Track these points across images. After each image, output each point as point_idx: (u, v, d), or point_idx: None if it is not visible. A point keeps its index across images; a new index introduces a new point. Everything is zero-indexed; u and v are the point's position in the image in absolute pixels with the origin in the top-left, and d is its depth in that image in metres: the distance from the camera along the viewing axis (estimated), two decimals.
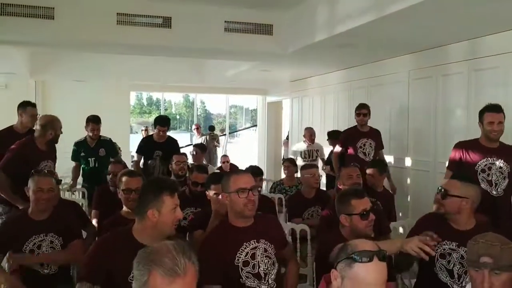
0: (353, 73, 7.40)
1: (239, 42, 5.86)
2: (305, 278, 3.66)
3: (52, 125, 4.37)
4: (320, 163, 7.22)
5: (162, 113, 16.60)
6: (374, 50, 5.99)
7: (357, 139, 5.65)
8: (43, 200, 3.12)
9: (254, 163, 12.94)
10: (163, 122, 5.89)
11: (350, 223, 2.71)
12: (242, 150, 19.43)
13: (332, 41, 5.27)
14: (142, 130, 10.23)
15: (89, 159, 5.54)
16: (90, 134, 5.55)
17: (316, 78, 8.64)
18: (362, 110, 5.66)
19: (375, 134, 5.75)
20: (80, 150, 5.62)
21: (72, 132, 7.28)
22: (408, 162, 6.07)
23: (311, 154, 7.30)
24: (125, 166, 5.24)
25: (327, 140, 7.09)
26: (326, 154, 7.38)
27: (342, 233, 2.78)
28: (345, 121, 7.60)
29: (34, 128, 4.82)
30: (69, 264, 3.25)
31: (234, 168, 8.52)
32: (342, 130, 7.16)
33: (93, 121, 5.57)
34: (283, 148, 11.12)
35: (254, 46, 5.95)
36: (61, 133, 4.51)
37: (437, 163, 5.47)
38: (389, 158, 6.44)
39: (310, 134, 7.37)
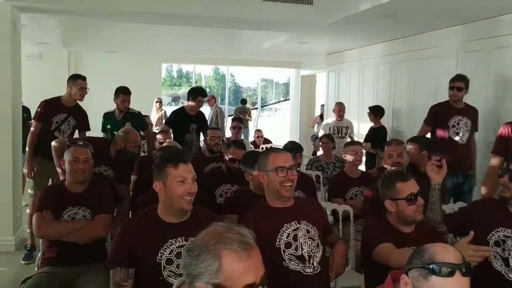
0: (395, 46, 7.03)
1: (277, 11, 5.57)
2: (347, 262, 3.46)
3: (125, 137, 4.30)
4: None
5: (193, 86, 16.51)
6: (421, 21, 5.62)
7: (450, 117, 4.66)
8: (79, 171, 3.09)
9: (286, 137, 12.78)
10: (205, 92, 5.66)
11: (396, 209, 2.49)
12: (274, 124, 19.22)
13: (376, 11, 4.95)
14: (156, 102, 9.93)
15: (115, 132, 5.15)
16: (120, 106, 5.31)
17: (354, 51, 8.29)
18: (457, 83, 4.64)
19: (472, 113, 4.75)
20: (107, 122, 5.40)
21: (104, 104, 7.20)
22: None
23: (340, 130, 7.05)
24: None
25: (369, 115, 6.80)
26: (364, 130, 7.12)
27: (388, 219, 2.58)
28: (385, 96, 7.29)
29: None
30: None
31: (267, 142, 8.40)
32: (381, 105, 6.91)
33: (124, 92, 5.33)
34: (316, 125, 10.79)
35: (293, 16, 5.65)
36: (133, 151, 4.39)
37: (488, 142, 5.13)
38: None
39: (338, 109, 7.11)
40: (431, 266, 1.48)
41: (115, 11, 5.51)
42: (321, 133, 6.81)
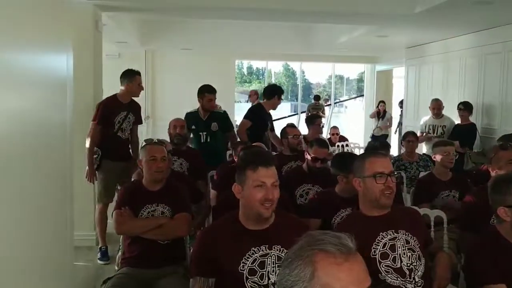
0: (485, 37, 6.49)
1: (359, 2, 5.28)
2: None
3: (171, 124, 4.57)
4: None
5: (265, 82, 16.43)
6: None
7: None
8: (158, 169, 3.03)
9: (360, 135, 12.36)
10: (283, 91, 5.48)
11: None
12: (346, 121, 18.77)
13: None
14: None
15: (201, 133, 5.05)
16: (207, 105, 5.04)
17: (438, 44, 7.78)
18: None
19: None
20: (191, 122, 5.04)
21: (180, 100, 7.22)
22: None
23: (435, 129, 6.58)
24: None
25: (459, 111, 6.32)
26: None
27: (498, 229, 2.27)
28: (473, 92, 6.76)
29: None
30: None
31: (343, 140, 8.10)
32: (469, 101, 6.42)
33: (209, 91, 5.06)
34: (374, 121, 10.43)
35: (376, 6, 5.33)
36: (174, 133, 4.50)
37: None
38: None
39: (433, 107, 6.64)
40: None
41: (192, 7, 5.47)
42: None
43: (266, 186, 2.07)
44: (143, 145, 3.30)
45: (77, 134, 3.31)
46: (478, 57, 6.70)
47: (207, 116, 5.09)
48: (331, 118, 14.57)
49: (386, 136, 10.27)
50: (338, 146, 7.49)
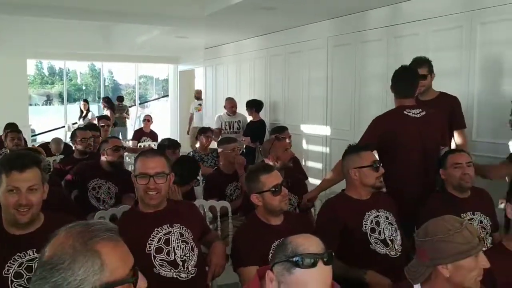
0: (270, 40, 7.15)
1: (150, 4, 5.32)
2: (228, 258, 3.38)
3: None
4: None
5: (65, 84, 15.38)
6: (295, 15, 5.74)
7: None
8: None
9: (167, 134, 12.47)
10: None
11: (263, 202, 2.45)
12: (155, 120, 18.68)
13: (252, 3, 4.95)
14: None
15: None
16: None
17: (231, 45, 8.30)
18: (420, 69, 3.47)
19: (445, 103, 3.55)
20: None
21: None
22: (327, 131, 5.98)
23: (231, 125, 7.02)
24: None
25: (246, 109, 6.83)
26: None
27: (257, 213, 2.53)
28: (262, 90, 7.39)
29: None
30: None
31: (154, 135, 8.17)
32: (259, 99, 6.99)
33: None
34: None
35: (167, 7, 5.44)
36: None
37: (356, 132, 5.41)
38: (308, 128, 6.33)
39: (230, 105, 7.06)
40: (294, 259, 1.44)
41: None
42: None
43: (20, 191, 2.00)
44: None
45: None
46: (264, 59, 7.34)
47: None
48: (140, 118, 14.34)
49: None
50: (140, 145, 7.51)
